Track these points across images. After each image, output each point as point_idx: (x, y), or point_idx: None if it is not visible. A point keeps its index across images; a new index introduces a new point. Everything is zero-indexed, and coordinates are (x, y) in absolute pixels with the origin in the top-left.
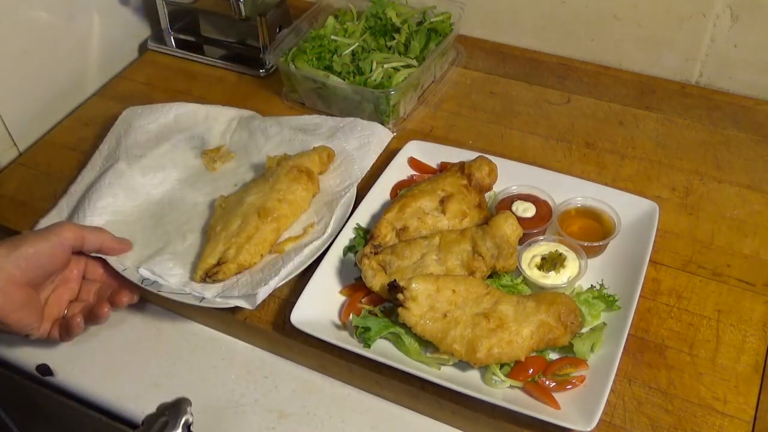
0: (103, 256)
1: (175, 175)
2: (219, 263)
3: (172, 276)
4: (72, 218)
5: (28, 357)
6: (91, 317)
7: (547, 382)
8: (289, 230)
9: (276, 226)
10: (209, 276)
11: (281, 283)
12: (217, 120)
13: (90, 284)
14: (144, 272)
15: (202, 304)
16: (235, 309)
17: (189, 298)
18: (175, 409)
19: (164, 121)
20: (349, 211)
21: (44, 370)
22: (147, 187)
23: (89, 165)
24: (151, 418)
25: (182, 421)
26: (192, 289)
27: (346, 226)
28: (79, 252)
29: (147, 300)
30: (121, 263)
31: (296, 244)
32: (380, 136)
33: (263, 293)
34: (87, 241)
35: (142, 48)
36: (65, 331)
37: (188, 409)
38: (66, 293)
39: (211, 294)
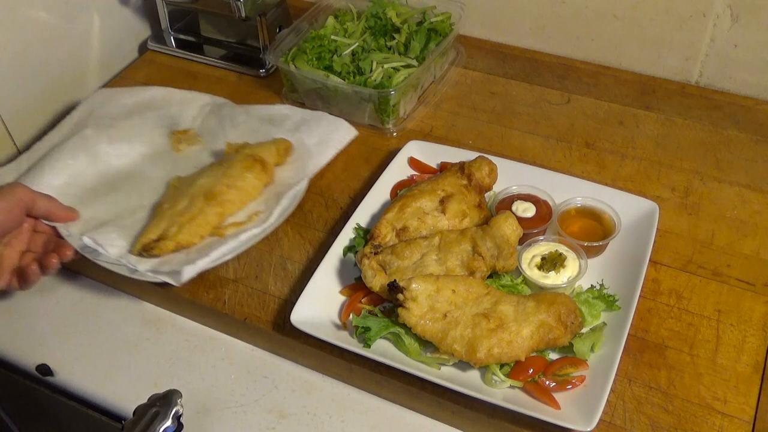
0: (49, 223)
1: (139, 150)
2: (158, 239)
3: (113, 247)
4: (30, 174)
5: (28, 357)
6: (41, 267)
7: (547, 382)
8: (235, 216)
9: (220, 210)
10: (146, 250)
11: (212, 266)
12: (191, 104)
13: (38, 236)
14: (86, 240)
15: (134, 276)
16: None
17: (123, 269)
18: (165, 400)
19: (140, 99)
20: (296, 204)
21: (44, 370)
22: (110, 156)
23: (57, 127)
24: (142, 409)
25: (172, 412)
26: (127, 261)
27: (346, 226)
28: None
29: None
30: (66, 228)
31: (237, 230)
32: (342, 132)
33: (188, 272)
34: (36, 206)
35: (142, 48)
36: (23, 280)
37: (179, 401)
38: (18, 245)
39: (144, 268)
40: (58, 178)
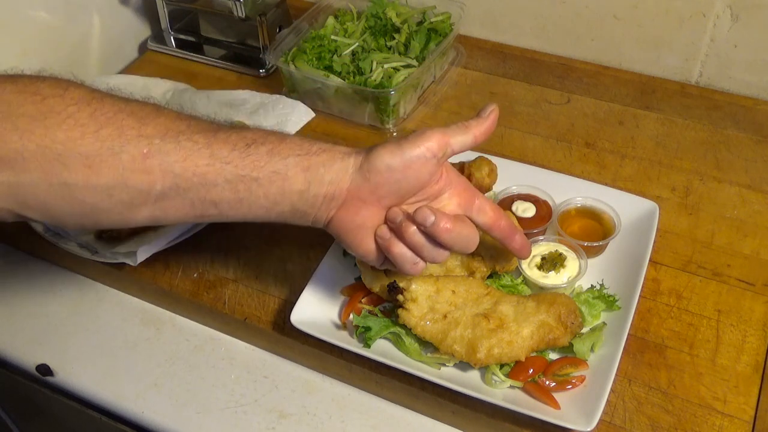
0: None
1: None
2: None
3: (74, 229)
4: None
5: (28, 357)
6: None
7: (547, 382)
8: None
9: None
10: (105, 233)
11: (166, 246)
12: (154, 90)
13: None
14: (49, 224)
15: (94, 257)
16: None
17: (84, 251)
18: None
19: (104, 89)
20: None
21: (44, 370)
22: None
23: None
24: None
25: None
26: (87, 243)
27: None
28: None
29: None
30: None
31: None
32: (299, 114)
33: (143, 252)
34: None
35: (142, 48)
36: None
37: None
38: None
39: (104, 249)
40: None
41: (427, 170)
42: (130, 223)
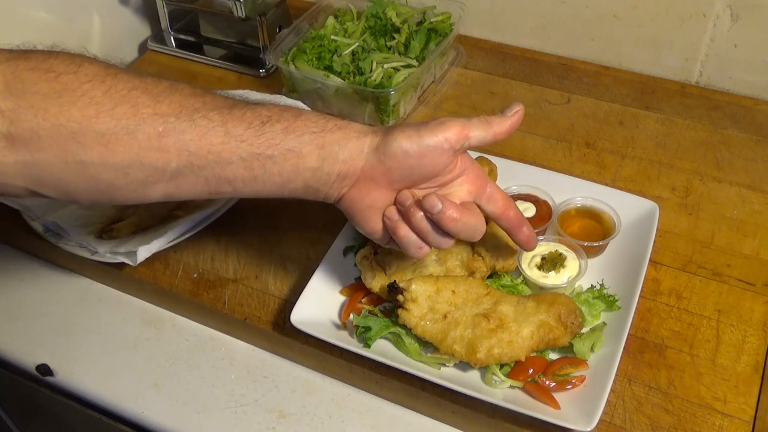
0: (14, 206)
1: None
2: (116, 221)
3: (74, 229)
4: None
5: (28, 357)
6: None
7: (547, 382)
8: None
9: None
10: (105, 232)
11: (167, 246)
12: None
13: None
14: (49, 223)
15: (94, 257)
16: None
17: (84, 251)
18: None
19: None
20: None
21: (44, 370)
22: None
23: None
24: None
25: None
26: (87, 243)
27: (345, 226)
28: None
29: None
30: (30, 211)
31: (194, 212)
32: None
33: (144, 252)
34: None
35: (142, 48)
36: None
37: None
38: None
39: (104, 249)
40: None
41: (443, 160)
42: (145, 199)
